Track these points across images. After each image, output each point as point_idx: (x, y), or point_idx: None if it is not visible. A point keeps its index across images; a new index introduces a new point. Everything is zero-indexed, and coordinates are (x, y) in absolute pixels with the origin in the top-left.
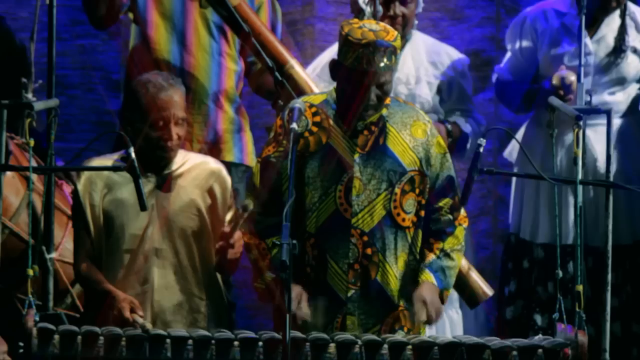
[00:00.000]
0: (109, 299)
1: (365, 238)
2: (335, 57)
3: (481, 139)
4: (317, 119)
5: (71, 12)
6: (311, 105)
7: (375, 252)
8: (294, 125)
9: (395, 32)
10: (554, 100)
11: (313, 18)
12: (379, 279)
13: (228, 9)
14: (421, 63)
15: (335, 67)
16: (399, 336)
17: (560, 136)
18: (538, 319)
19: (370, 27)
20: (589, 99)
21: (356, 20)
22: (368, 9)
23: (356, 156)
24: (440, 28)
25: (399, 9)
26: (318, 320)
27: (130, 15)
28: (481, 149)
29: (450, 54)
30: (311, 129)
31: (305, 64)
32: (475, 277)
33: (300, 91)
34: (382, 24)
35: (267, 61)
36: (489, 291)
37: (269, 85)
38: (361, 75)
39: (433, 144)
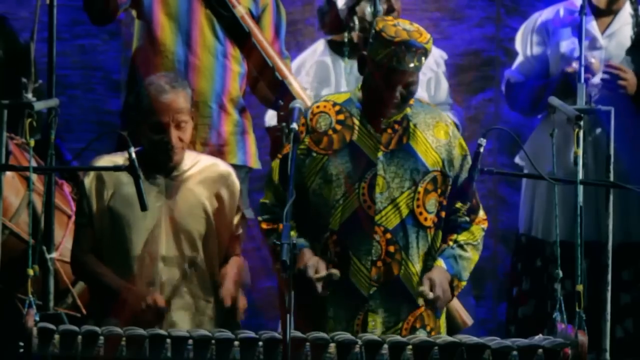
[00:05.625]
0: (128, 293)
1: (389, 235)
2: (311, 58)
3: (481, 138)
4: (341, 117)
5: (71, 12)
6: (334, 104)
7: (398, 250)
8: (294, 125)
9: (428, 35)
10: (553, 100)
11: (313, 18)
12: (402, 277)
13: (228, 9)
14: None
15: (363, 62)
16: (399, 336)
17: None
18: (558, 317)
19: (404, 27)
20: (592, 94)
21: (391, 17)
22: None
23: (380, 154)
24: (440, 28)
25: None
26: (339, 314)
27: (134, 13)
28: (481, 149)
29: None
30: (335, 127)
31: None
32: (456, 305)
33: None
34: (416, 25)
35: (267, 62)
36: (468, 320)
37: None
38: (390, 72)
39: (455, 145)
